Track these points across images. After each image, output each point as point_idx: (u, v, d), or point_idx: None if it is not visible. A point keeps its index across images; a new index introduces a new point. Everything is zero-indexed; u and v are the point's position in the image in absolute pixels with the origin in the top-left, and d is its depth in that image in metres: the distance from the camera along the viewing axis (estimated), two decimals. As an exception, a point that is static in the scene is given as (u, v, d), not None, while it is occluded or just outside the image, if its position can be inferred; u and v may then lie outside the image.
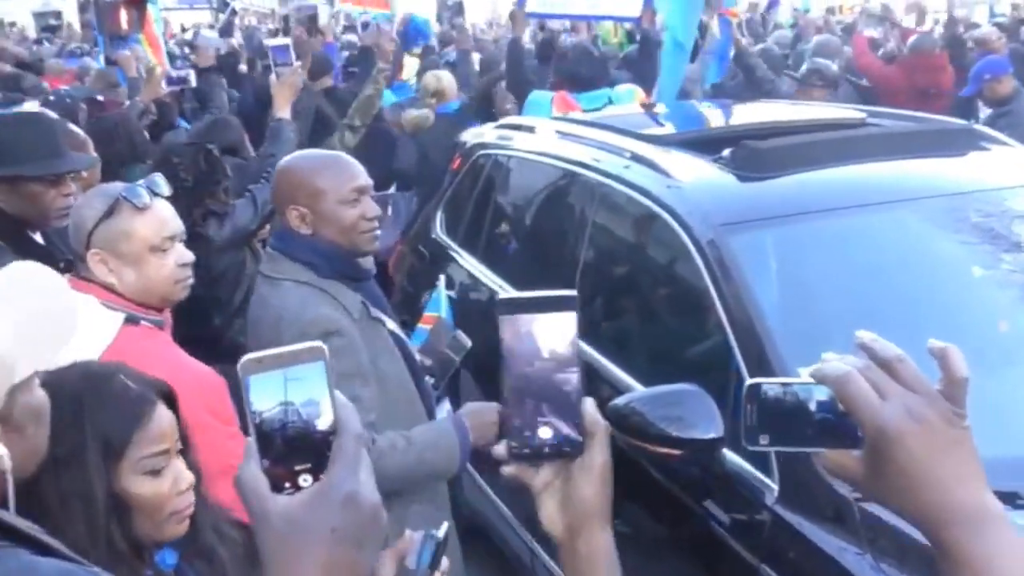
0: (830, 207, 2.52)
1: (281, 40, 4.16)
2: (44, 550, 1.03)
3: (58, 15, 22.26)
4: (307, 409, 0.80)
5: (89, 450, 1.42)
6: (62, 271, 2.52)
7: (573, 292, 0.89)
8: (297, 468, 0.80)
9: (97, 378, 1.49)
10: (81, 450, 1.41)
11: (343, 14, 15.73)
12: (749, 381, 0.86)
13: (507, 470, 0.95)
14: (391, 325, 2.39)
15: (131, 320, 2.03)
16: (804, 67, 6.15)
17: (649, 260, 2.90)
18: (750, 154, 2.65)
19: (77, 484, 1.40)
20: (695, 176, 2.73)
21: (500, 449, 0.93)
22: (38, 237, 2.67)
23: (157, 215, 2.14)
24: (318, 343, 0.81)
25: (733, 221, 2.45)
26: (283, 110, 3.75)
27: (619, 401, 2.23)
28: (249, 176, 3.63)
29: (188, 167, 3.23)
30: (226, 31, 13.65)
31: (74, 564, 1.02)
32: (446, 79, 6.02)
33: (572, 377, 0.90)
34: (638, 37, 8.81)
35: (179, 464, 1.50)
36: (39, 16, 23.29)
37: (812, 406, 0.84)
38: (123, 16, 8.69)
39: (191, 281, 2.21)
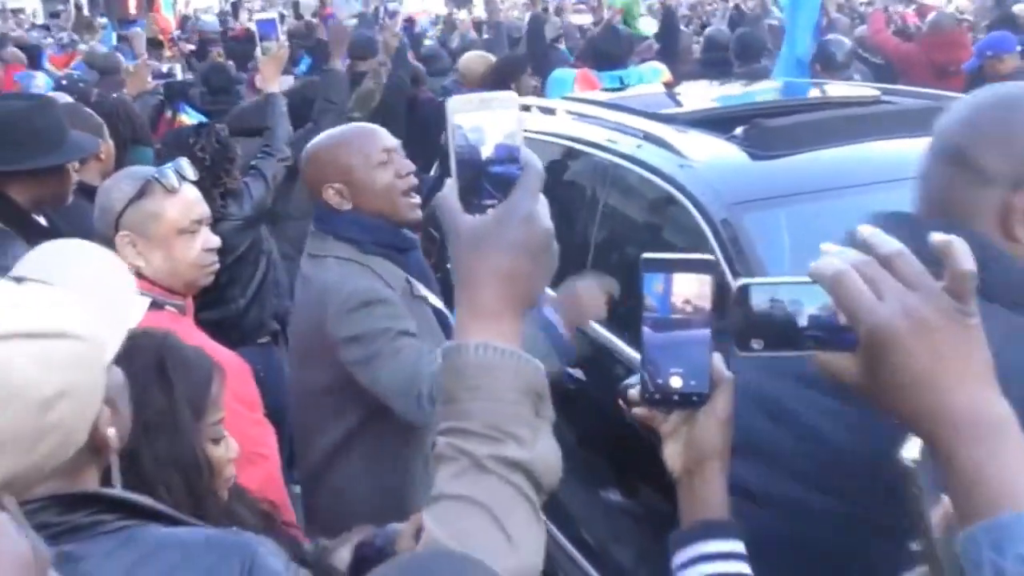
0: (843, 185, 2.50)
1: (267, 14, 4.14)
2: (172, 522, 1.09)
3: (66, 0, 22.26)
4: (506, 138, 0.92)
5: (181, 414, 1.44)
6: None
7: (713, 257, 0.97)
8: (487, 202, 0.92)
9: (172, 346, 1.52)
10: (173, 415, 1.44)
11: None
12: (737, 282, 0.84)
13: (637, 411, 1.06)
14: (434, 301, 2.38)
15: (156, 305, 2.02)
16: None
17: (662, 240, 2.89)
18: (763, 132, 2.63)
19: (176, 448, 1.43)
20: (708, 155, 2.71)
21: (634, 392, 1.03)
22: (42, 219, 2.67)
23: (185, 198, 2.15)
24: (511, 94, 0.94)
25: (746, 200, 2.43)
26: (272, 84, 3.77)
27: (632, 380, 2.23)
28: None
29: (204, 147, 3.23)
30: (229, 16, 13.58)
31: (212, 528, 1.09)
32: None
33: (704, 333, 0.97)
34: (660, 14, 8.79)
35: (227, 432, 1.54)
36: (47, 2, 23.28)
37: (805, 307, 0.82)
38: (131, 1, 8.74)
39: (216, 267, 2.23)
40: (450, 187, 0.94)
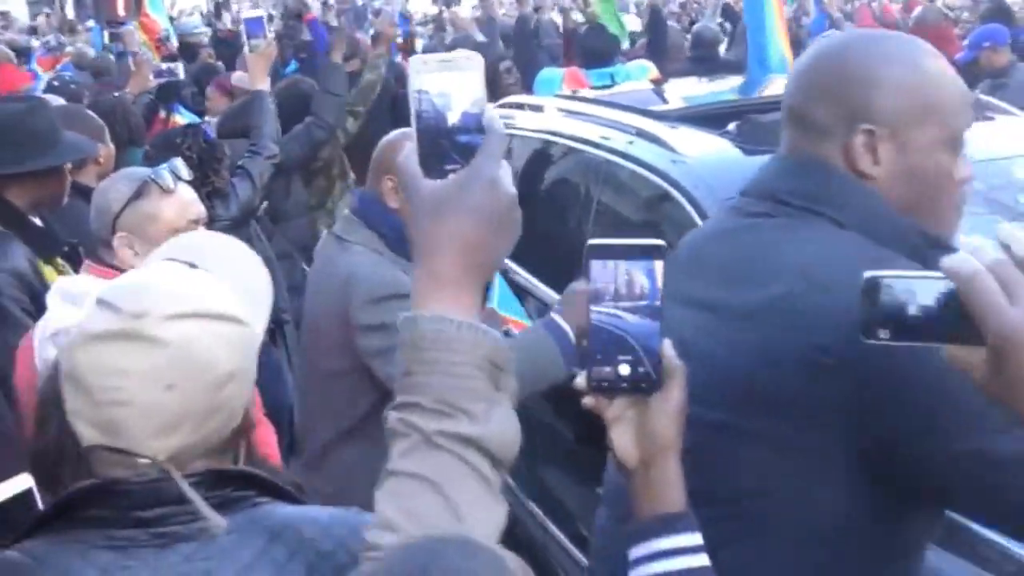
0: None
1: (255, 12, 4.19)
2: (295, 501, 1.13)
3: (51, 3, 22.14)
4: (470, 102, 0.89)
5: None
6: (65, 255, 2.55)
7: (662, 242, 0.96)
8: (448, 167, 0.89)
9: None
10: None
11: None
12: (868, 273, 0.84)
13: (586, 401, 1.06)
14: None
15: None
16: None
17: (656, 237, 2.91)
18: (755, 127, 2.65)
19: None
20: (701, 150, 2.72)
21: (580, 381, 1.03)
22: (37, 221, 2.68)
23: (181, 198, 2.18)
24: (475, 54, 0.91)
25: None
26: (261, 82, 3.76)
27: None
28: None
29: (191, 147, 3.23)
30: (215, 15, 13.53)
31: (335, 508, 1.13)
32: None
33: (653, 320, 0.96)
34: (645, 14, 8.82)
35: None
36: (32, 4, 23.16)
37: (934, 301, 0.82)
38: (120, 1, 8.70)
39: None
40: (411, 151, 0.91)
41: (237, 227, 3.37)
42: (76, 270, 2.41)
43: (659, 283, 0.96)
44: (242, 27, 3.91)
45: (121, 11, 8.74)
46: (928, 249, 1.22)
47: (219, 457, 1.10)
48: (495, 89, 5.85)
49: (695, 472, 1.08)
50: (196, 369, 1.03)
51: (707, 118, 3.02)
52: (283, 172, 3.98)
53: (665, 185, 2.66)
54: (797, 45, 7.19)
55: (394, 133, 2.51)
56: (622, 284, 0.96)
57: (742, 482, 1.20)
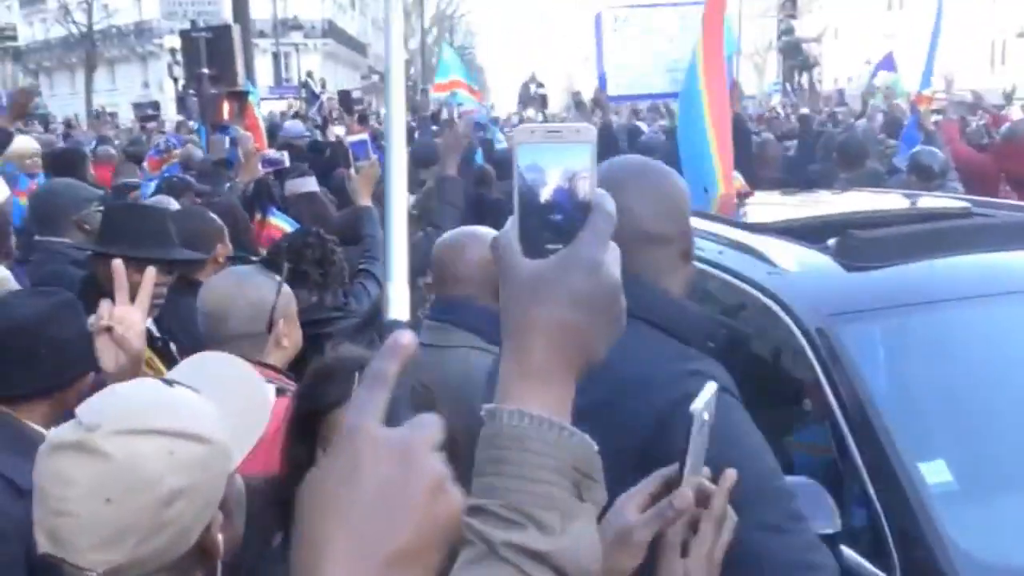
0: (940, 298, 2.49)
1: (359, 136, 4.37)
2: None
3: (156, 105, 23.48)
4: (569, 180, 0.83)
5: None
6: (158, 351, 2.65)
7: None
8: (549, 247, 0.83)
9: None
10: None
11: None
12: None
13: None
14: None
15: (280, 392, 2.05)
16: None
17: (749, 348, 2.88)
18: (857, 243, 2.64)
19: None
20: (801, 264, 2.72)
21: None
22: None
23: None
24: (589, 126, 0.85)
25: (842, 311, 2.43)
26: (365, 199, 3.97)
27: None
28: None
29: (311, 263, 3.17)
30: (321, 127, 13.98)
31: None
32: None
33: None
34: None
35: None
36: (137, 107, 24.59)
37: None
38: (225, 107, 9.19)
39: None
40: (511, 225, 0.85)
41: (367, 326, 3.33)
42: (168, 366, 2.52)
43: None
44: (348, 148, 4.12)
45: (226, 115, 9.18)
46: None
47: None
48: None
49: None
50: (138, 485, 1.03)
51: (803, 231, 3.02)
52: None
53: (762, 297, 2.65)
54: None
55: (449, 234, 2.56)
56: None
57: None
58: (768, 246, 2.88)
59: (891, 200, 3.94)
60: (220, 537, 1.15)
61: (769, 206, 4.10)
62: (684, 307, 1.65)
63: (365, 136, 4.43)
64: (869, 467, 2.05)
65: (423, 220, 5.01)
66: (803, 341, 2.41)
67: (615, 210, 0.84)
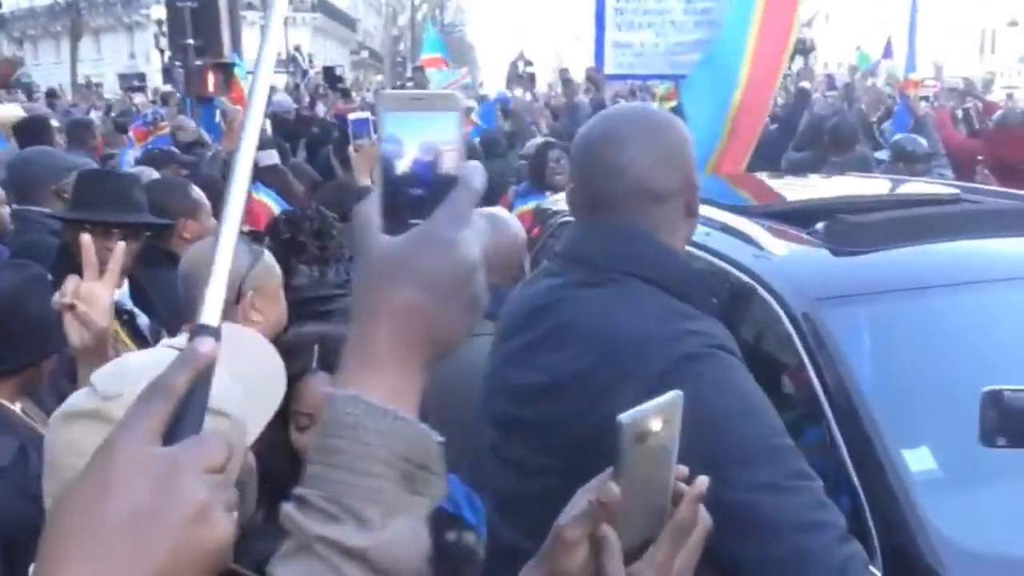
0: (928, 284, 2.47)
1: (361, 114, 4.30)
2: None
3: (142, 77, 23.27)
4: (433, 150, 0.77)
5: None
6: (126, 323, 2.62)
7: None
8: (412, 222, 0.77)
9: None
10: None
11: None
12: (988, 388, 0.85)
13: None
14: None
15: None
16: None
17: (736, 333, 2.86)
18: (846, 228, 2.62)
19: None
20: (789, 248, 2.70)
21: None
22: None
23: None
24: (455, 93, 0.79)
25: (829, 296, 2.41)
26: (365, 178, 3.97)
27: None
28: None
29: (309, 235, 3.15)
30: (310, 105, 13.80)
31: None
32: None
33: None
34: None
35: None
36: (123, 77, 24.37)
37: None
38: (210, 79, 9.05)
39: None
40: (374, 198, 0.79)
41: None
42: (135, 340, 2.50)
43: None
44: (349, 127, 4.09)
45: (211, 87, 9.06)
46: None
47: None
48: (541, 178, 5.88)
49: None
50: None
51: (790, 215, 2.99)
52: None
53: (749, 280, 2.62)
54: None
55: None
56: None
57: None
58: (754, 230, 2.85)
59: (879, 185, 3.92)
60: (234, 515, 1.14)
61: (758, 189, 4.08)
62: (686, 264, 1.61)
63: (367, 115, 4.37)
64: (852, 454, 2.03)
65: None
66: (789, 326, 2.39)
67: (482, 183, 0.78)
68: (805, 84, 8.53)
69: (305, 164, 6.37)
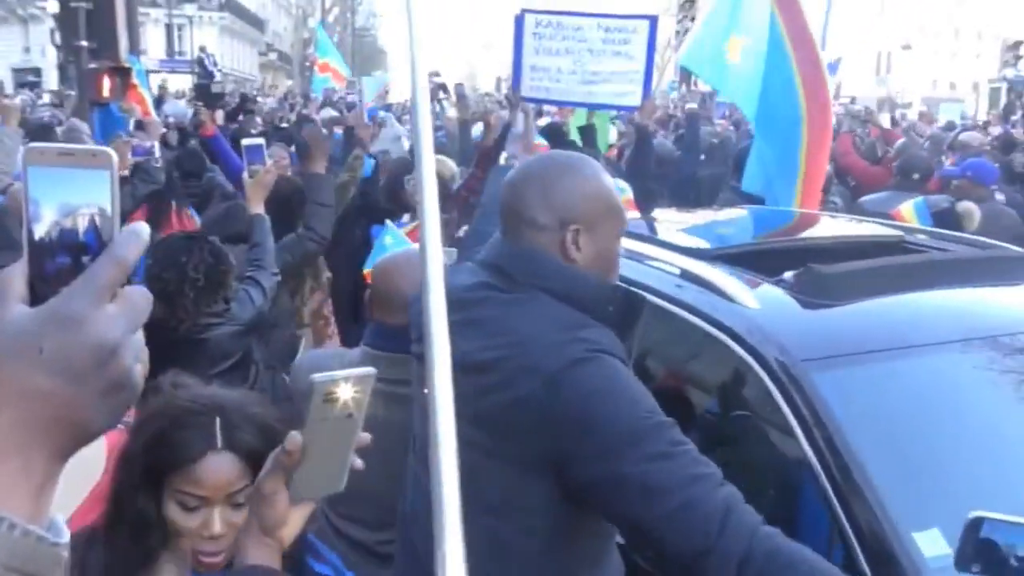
0: (914, 343, 2.34)
1: (255, 140, 4.09)
2: None
3: (37, 72, 22.18)
4: (78, 214, 0.70)
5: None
6: None
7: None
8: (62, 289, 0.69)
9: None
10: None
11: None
12: (973, 514, 1.00)
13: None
14: None
15: None
16: None
17: (711, 390, 2.68)
18: (818, 279, 2.47)
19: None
20: (763, 301, 2.51)
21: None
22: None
23: None
24: (107, 149, 0.72)
25: (815, 357, 2.24)
26: (257, 206, 3.80)
27: None
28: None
29: (197, 266, 3.07)
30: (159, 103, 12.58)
31: None
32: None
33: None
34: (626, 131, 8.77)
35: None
36: (18, 72, 23.18)
37: None
38: (106, 84, 8.52)
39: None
40: (19, 265, 0.71)
41: (248, 333, 3.30)
42: None
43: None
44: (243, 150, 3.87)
45: (106, 92, 8.53)
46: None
47: None
48: (445, 201, 5.59)
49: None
50: None
51: (742, 257, 2.85)
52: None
53: (721, 335, 2.43)
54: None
55: (386, 258, 2.61)
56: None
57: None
58: (720, 278, 2.66)
59: (828, 225, 3.80)
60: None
61: (695, 226, 3.95)
62: (582, 277, 1.82)
63: (260, 141, 4.11)
64: (860, 537, 1.87)
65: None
66: (773, 388, 2.21)
67: (132, 256, 0.70)
68: (692, 106, 8.71)
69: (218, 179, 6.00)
